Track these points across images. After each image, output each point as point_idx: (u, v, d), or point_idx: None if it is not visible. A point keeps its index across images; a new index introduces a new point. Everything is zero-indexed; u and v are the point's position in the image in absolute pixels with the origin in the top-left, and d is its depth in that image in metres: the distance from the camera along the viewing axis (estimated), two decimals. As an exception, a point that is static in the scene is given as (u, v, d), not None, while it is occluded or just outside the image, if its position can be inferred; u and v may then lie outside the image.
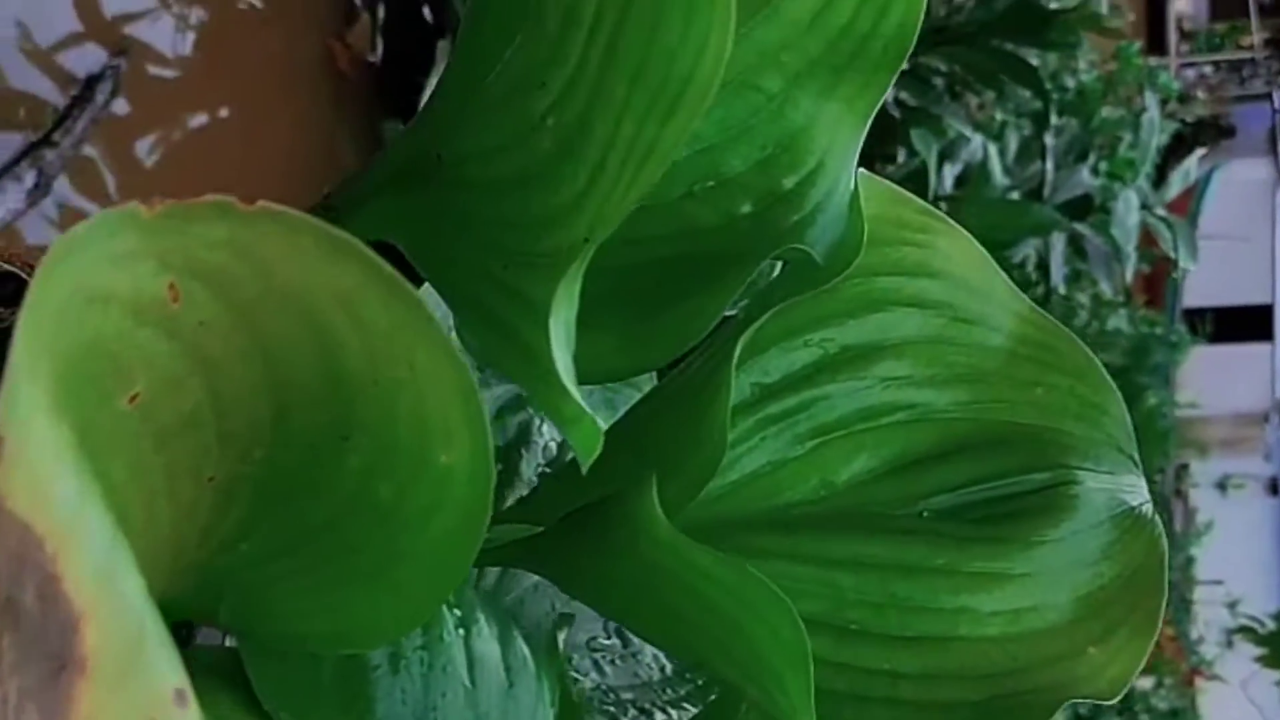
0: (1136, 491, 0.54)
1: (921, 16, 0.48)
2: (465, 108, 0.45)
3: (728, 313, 0.50)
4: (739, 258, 0.48)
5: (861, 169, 0.52)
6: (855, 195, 0.49)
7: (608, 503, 0.47)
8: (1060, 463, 0.54)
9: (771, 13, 0.48)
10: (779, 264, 0.51)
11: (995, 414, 0.54)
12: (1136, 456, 0.55)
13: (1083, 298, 3.55)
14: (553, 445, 0.60)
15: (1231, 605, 4.46)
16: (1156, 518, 0.54)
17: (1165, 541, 0.53)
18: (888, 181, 0.53)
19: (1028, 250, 2.76)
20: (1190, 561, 4.48)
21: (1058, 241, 2.59)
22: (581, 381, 0.60)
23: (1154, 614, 0.52)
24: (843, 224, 0.49)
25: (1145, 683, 4.22)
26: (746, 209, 0.49)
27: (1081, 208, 2.54)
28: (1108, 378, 0.55)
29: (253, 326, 0.33)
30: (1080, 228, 2.56)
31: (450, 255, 0.45)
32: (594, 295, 0.47)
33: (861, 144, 0.50)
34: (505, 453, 0.59)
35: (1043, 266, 2.83)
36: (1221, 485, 5.61)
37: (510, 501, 0.58)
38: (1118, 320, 3.58)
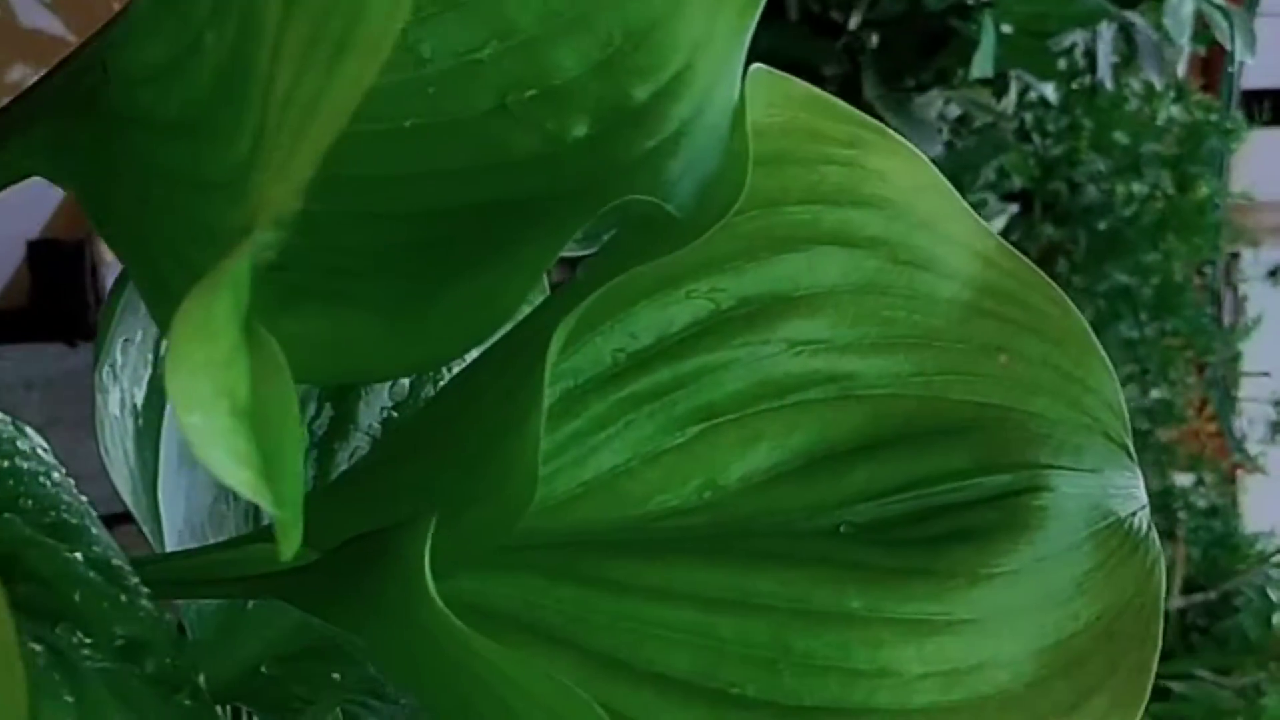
0: (1129, 495, 0.40)
1: None
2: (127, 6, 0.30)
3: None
4: (564, 205, 0.34)
5: (761, 65, 0.37)
6: (739, 111, 0.35)
7: (384, 543, 0.34)
8: (1026, 460, 0.40)
9: None
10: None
11: (943, 391, 0.40)
12: (1130, 446, 0.41)
13: (1135, 84, 3.36)
14: (370, 433, 0.46)
15: (1279, 404, 4.32)
16: (1153, 532, 0.40)
17: (1163, 567, 0.40)
18: (799, 80, 0.38)
19: (1074, 38, 2.56)
20: (1238, 357, 4.35)
21: (1106, 31, 2.39)
22: (336, 380, 0.46)
23: (1143, 674, 0.38)
24: (717, 153, 0.35)
25: (1185, 479, 4.13)
26: (580, 131, 0.34)
27: (1133, -5, 2.34)
28: (1094, 340, 0.40)
29: None
30: (1130, 16, 2.36)
31: (127, 212, 0.31)
32: (352, 259, 0.33)
33: (749, 37, 0.35)
34: (321, 444, 0.46)
35: (1089, 55, 2.64)
36: (1274, 273, 5.44)
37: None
38: (1168, 110, 3.39)
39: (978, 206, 2.63)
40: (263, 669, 0.46)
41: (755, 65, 0.37)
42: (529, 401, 0.33)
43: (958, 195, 0.40)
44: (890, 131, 0.39)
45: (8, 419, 0.37)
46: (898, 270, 0.40)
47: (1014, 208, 2.90)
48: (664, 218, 0.34)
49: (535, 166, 0.34)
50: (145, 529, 0.42)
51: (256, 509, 0.47)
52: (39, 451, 0.36)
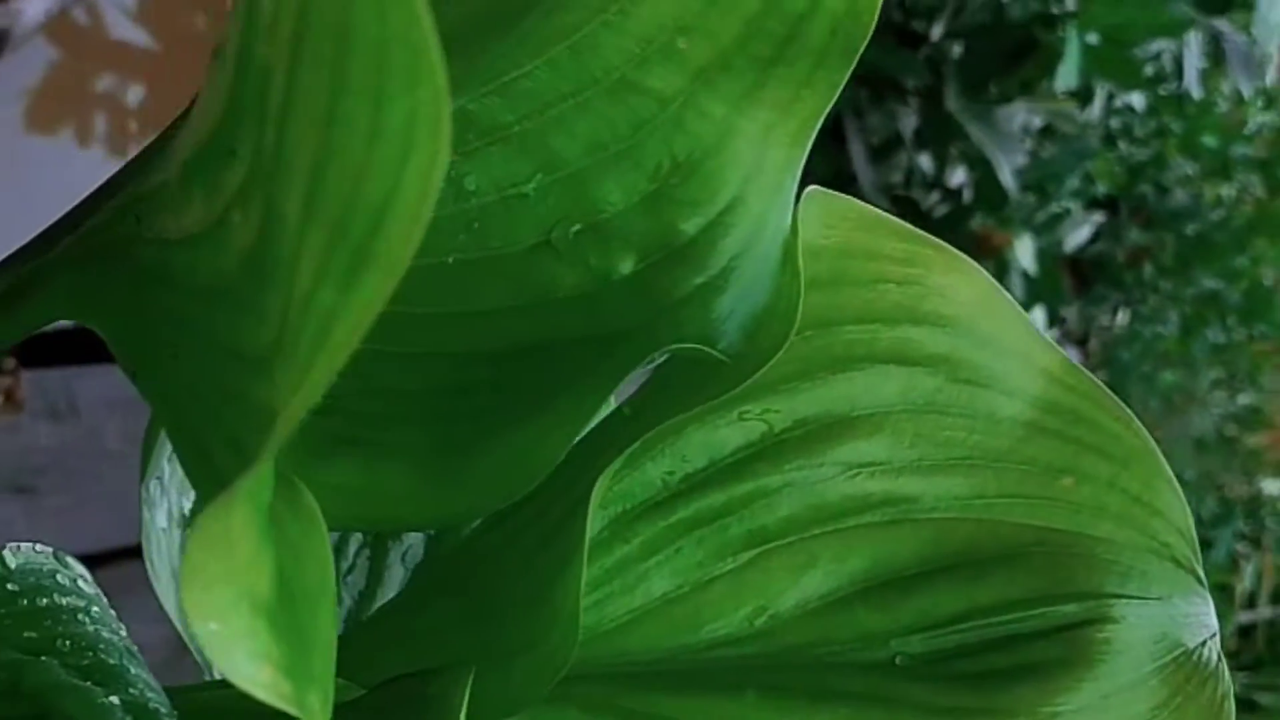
0: (1199, 623, 0.39)
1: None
2: (164, 149, 0.30)
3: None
4: (608, 346, 0.33)
5: (816, 186, 0.36)
6: (791, 242, 0.34)
7: (423, 689, 0.33)
8: (1091, 588, 0.38)
9: (660, -20, 0.32)
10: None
11: (1004, 514, 0.39)
12: (1200, 572, 0.39)
13: (1224, 89, 3.31)
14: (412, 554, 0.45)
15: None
16: (1223, 664, 0.39)
17: (1232, 704, 0.38)
18: (853, 200, 0.37)
19: (1160, 46, 2.52)
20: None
21: (1193, 38, 2.35)
22: (366, 529, 0.45)
23: (1212, 818, 0.37)
24: (769, 286, 0.34)
25: (1273, 486, 4.07)
26: (627, 267, 0.33)
27: (1221, 2, 2.29)
28: (1162, 461, 0.39)
29: None
30: (1218, 23, 2.31)
31: (159, 366, 0.30)
32: (389, 404, 0.32)
33: (801, 168, 0.34)
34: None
35: (1177, 63, 2.60)
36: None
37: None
38: (1258, 115, 3.33)
39: (1063, 216, 2.59)
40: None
41: (810, 187, 0.36)
42: (571, 552, 0.32)
43: (1021, 310, 0.39)
44: (950, 248, 0.38)
45: (48, 550, 0.36)
46: (958, 389, 0.39)
47: (1100, 216, 2.86)
48: (713, 359, 0.33)
49: (580, 305, 0.33)
50: (192, 647, 0.42)
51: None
52: (80, 583, 0.36)
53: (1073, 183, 2.72)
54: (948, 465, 0.39)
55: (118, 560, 1.61)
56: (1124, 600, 0.38)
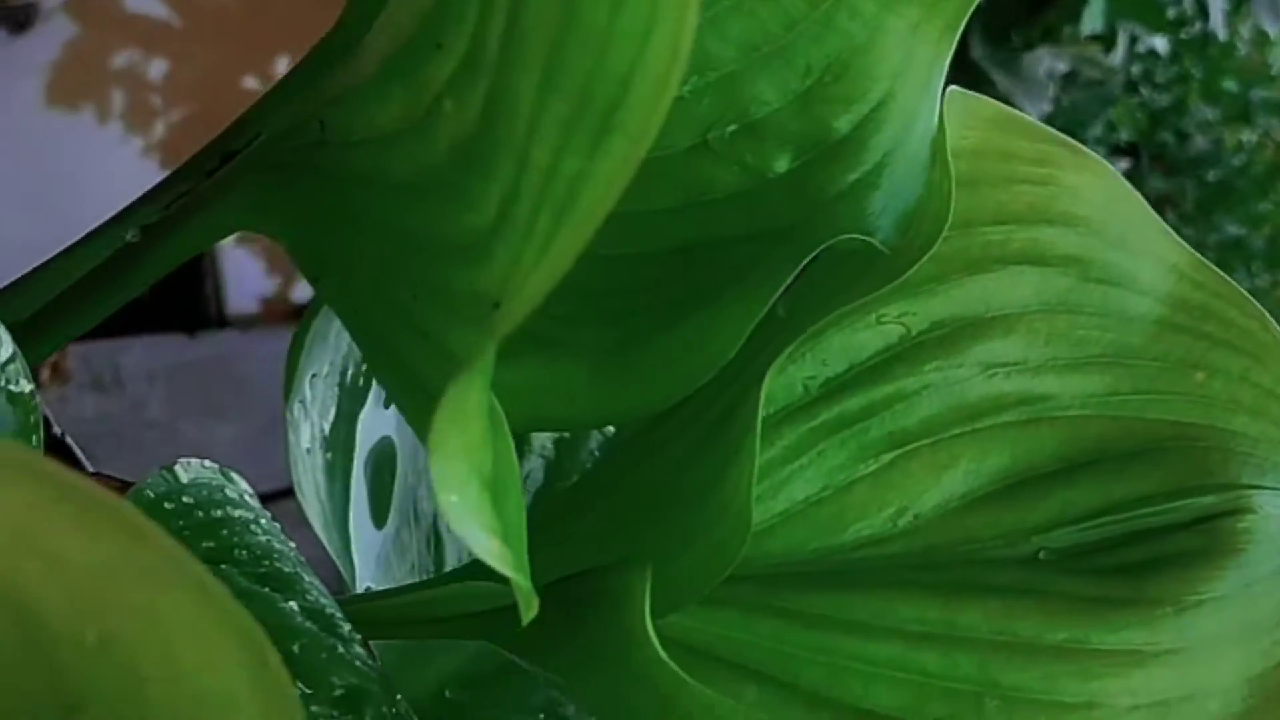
0: (1335, 513, 0.39)
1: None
2: (351, 53, 0.30)
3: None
4: (767, 244, 0.33)
5: (955, 87, 0.37)
6: (939, 139, 0.34)
7: (592, 586, 0.34)
8: (1228, 480, 0.39)
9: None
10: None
11: (1139, 410, 0.39)
12: (1335, 462, 0.40)
13: (1246, 32, 3.30)
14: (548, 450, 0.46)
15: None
16: (1362, 551, 0.39)
17: (1373, 589, 0.39)
18: (989, 99, 0.38)
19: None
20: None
21: (1218, -20, 2.34)
22: (540, 429, 0.46)
23: (1356, 699, 0.38)
24: (919, 183, 0.34)
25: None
26: (782, 165, 0.34)
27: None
28: (1296, 355, 0.39)
29: None
30: (1243, -35, 2.30)
31: (345, 267, 0.31)
32: (564, 304, 0.33)
33: (948, 63, 0.35)
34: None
35: (1200, 4, 2.59)
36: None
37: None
38: (1277, 54, 3.31)
39: (1088, 163, 2.59)
40: (446, 694, 0.47)
41: (951, 88, 0.36)
42: (740, 443, 0.32)
43: (1148, 207, 0.40)
44: (1082, 148, 0.39)
45: (215, 466, 0.37)
46: (1090, 288, 0.39)
47: (1125, 163, 2.86)
48: (870, 253, 0.33)
49: (738, 204, 0.34)
50: (338, 562, 0.43)
51: (437, 536, 0.47)
52: (246, 498, 0.37)
53: (1095, 130, 2.71)
54: (1082, 363, 0.39)
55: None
56: (1260, 491, 0.39)
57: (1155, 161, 3.30)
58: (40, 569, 0.19)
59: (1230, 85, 3.35)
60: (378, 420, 0.45)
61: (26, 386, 0.31)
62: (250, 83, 1.87)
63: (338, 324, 0.43)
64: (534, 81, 0.23)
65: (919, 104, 0.34)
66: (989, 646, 0.37)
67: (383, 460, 0.46)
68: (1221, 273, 0.40)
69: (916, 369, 0.39)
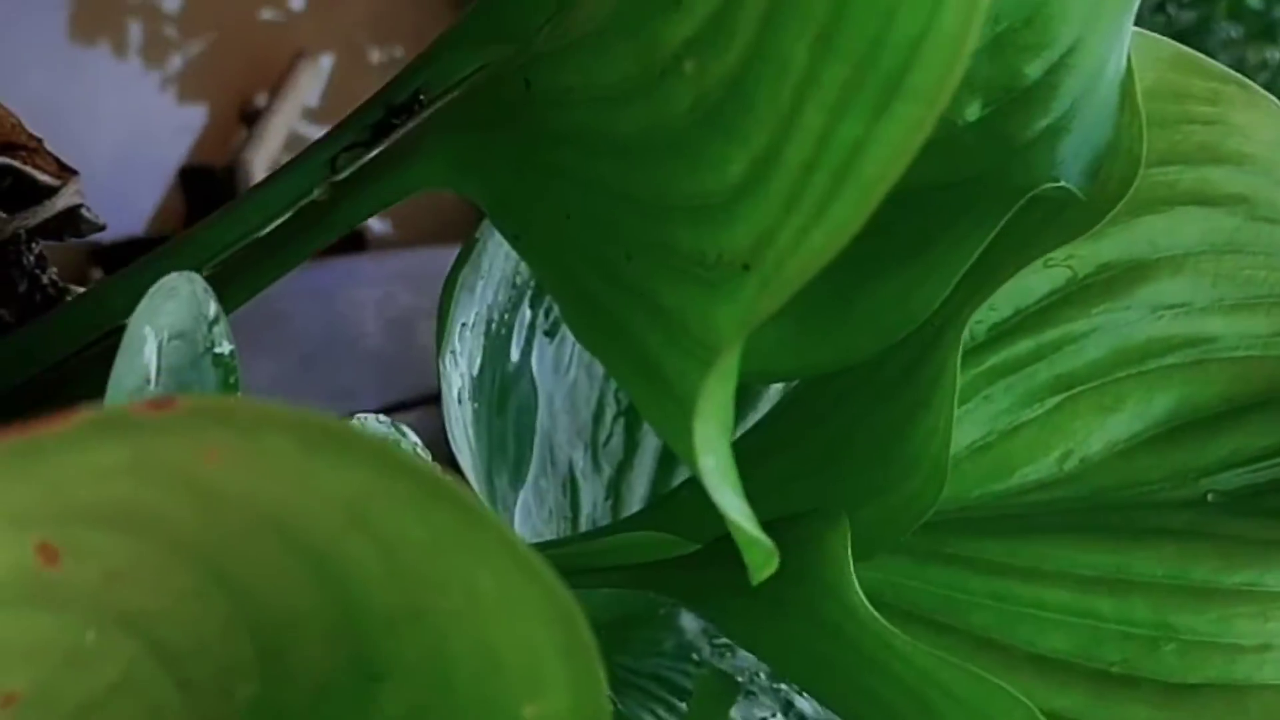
0: None
1: None
2: (560, 14, 0.30)
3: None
4: (962, 191, 0.33)
5: (1132, 28, 0.36)
6: (1128, 82, 0.34)
7: (781, 538, 0.34)
8: (1399, 418, 0.39)
9: None
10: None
11: (1307, 350, 0.39)
12: None
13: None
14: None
15: None
16: None
17: None
18: (1166, 39, 0.37)
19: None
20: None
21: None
22: (744, 381, 0.45)
23: None
24: (1109, 127, 0.34)
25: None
26: (974, 113, 0.34)
27: None
28: None
29: (203, 560, 0.19)
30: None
31: (548, 226, 0.31)
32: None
33: (1136, 7, 0.34)
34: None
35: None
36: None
37: (637, 486, 0.45)
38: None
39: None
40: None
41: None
42: (936, 394, 0.32)
43: (1317, 148, 0.39)
44: (1253, 85, 0.38)
45: (388, 420, 0.37)
46: (1257, 227, 0.39)
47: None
48: (1063, 199, 0.33)
49: (930, 152, 0.33)
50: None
51: (574, 483, 0.47)
52: (419, 450, 0.37)
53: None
54: (1249, 304, 0.39)
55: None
56: None
57: (1179, 80, 3.27)
58: (369, 547, 0.19)
59: (1255, 3, 3.32)
60: (521, 369, 0.45)
61: (228, 347, 0.31)
62: (267, 14, 1.86)
63: (483, 277, 0.43)
64: (807, 45, 0.23)
65: (1109, 48, 0.34)
66: (1164, 589, 0.37)
67: (524, 409, 0.46)
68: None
69: (1083, 312, 0.39)
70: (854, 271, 0.32)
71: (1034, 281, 0.39)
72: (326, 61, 1.89)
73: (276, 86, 1.83)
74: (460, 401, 0.42)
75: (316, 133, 0.33)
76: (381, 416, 0.36)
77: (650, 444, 0.49)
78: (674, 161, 0.27)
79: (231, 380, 0.31)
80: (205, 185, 1.83)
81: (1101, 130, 0.34)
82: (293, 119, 1.81)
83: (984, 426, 0.39)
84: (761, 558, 0.27)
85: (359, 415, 0.36)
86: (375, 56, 1.92)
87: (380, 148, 0.36)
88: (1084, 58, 0.34)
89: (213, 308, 0.30)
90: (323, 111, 1.86)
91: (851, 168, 0.22)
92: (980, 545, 0.38)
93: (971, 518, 0.39)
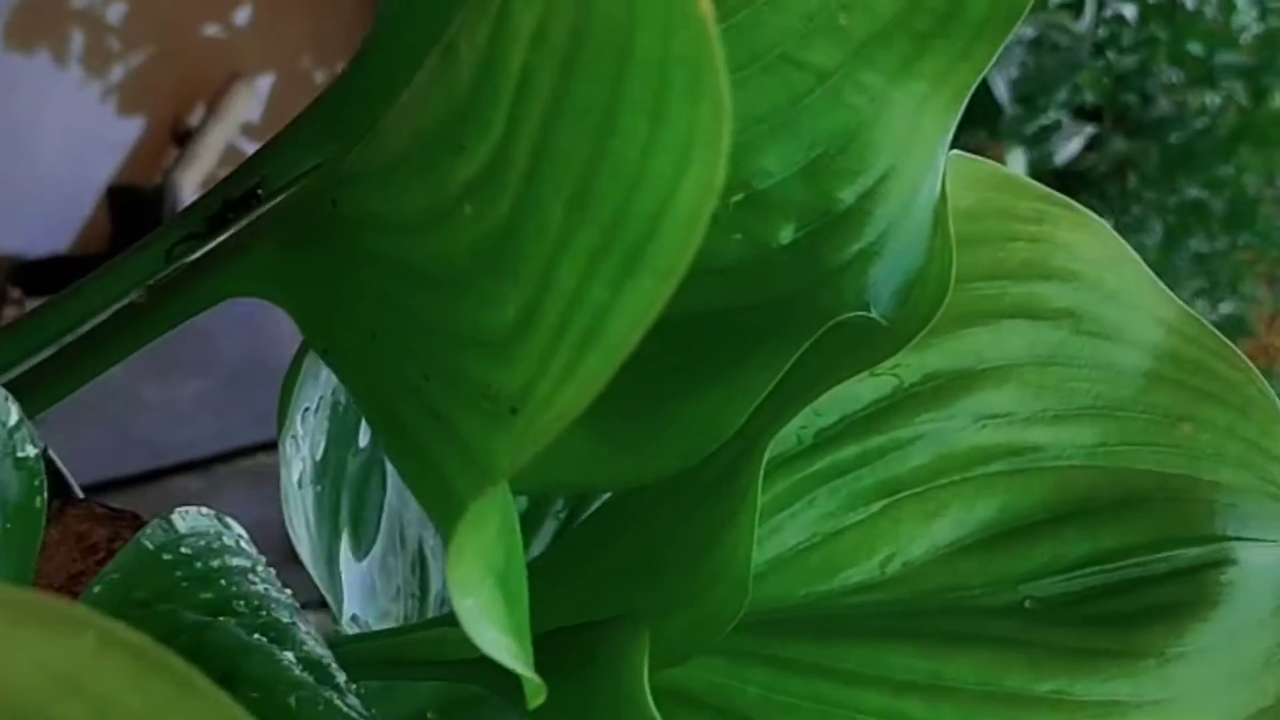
0: (1316, 564, 0.40)
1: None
2: (369, 137, 0.30)
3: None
4: (772, 314, 0.34)
5: (954, 150, 0.37)
6: (942, 208, 0.35)
7: (589, 641, 0.35)
8: (1213, 532, 0.40)
9: (822, -45, 0.33)
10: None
11: (1127, 461, 0.40)
12: (1317, 514, 0.41)
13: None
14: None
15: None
16: (1340, 602, 0.40)
17: (1352, 641, 0.40)
18: (990, 162, 0.38)
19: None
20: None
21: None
22: (549, 492, 0.46)
23: (1333, 750, 0.39)
24: (922, 252, 0.35)
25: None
26: (787, 236, 0.34)
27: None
28: (1279, 408, 0.40)
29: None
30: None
31: (355, 344, 0.31)
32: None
33: (952, 134, 0.35)
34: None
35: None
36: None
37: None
38: (1245, 20, 3.33)
39: (1053, 128, 2.59)
40: (429, 715, 0.47)
41: (951, 152, 0.37)
42: (739, 507, 0.33)
43: (1143, 264, 0.40)
44: (1078, 205, 0.39)
45: (211, 513, 0.37)
46: (1082, 341, 0.40)
47: (1091, 127, 2.87)
48: (871, 326, 0.34)
49: (743, 273, 0.34)
50: (329, 598, 0.43)
51: (423, 562, 0.48)
52: (242, 544, 0.37)
53: (1061, 94, 2.72)
54: (1072, 415, 0.40)
55: (119, 488, 1.62)
56: (1244, 543, 0.40)
57: (1118, 124, 3.31)
58: (83, 713, 0.20)
59: (1195, 48, 3.36)
60: (367, 449, 0.46)
61: (32, 451, 0.31)
62: (212, 29, 1.85)
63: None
64: (562, 205, 0.23)
65: (923, 175, 0.34)
66: (974, 696, 0.38)
67: (371, 489, 0.46)
68: (1211, 327, 0.40)
69: (909, 419, 0.40)
70: (661, 389, 0.33)
71: (861, 389, 0.39)
72: (266, 80, 1.88)
73: (212, 105, 1.83)
74: (301, 486, 0.43)
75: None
76: (205, 509, 0.37)
77: (549, 529, 0.50)
78: (461, 295, 0.27)
79: (36, 483, 0.32)
80: (133, 205, 1.83)
81: (913, 255, 0.35)
82: (229, 138, 1.80)
83: (809, 529, 0.40)
84: (531, 689, 0.27)
85: (182, 509, 0.36)
86: (319, 77, 1.92)
87: (217, 240, 0.36)
88: (897, 185, 0.34)
89: (13, 413, 0.30)
90: (263, 129, 1.86)
91: (597, 332, 0.23)
92: (801, 647, 0.39)
93: (794, 619, 0.39)
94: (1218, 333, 0.40)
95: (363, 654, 0.40)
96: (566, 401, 0.23)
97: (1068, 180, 3.20)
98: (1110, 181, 3.29)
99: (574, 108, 0.23)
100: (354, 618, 0.46)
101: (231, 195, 0.37)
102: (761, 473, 0.33)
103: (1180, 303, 0.40)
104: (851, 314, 0.33)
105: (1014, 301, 0.39)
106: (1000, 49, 0.33)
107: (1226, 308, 3.74)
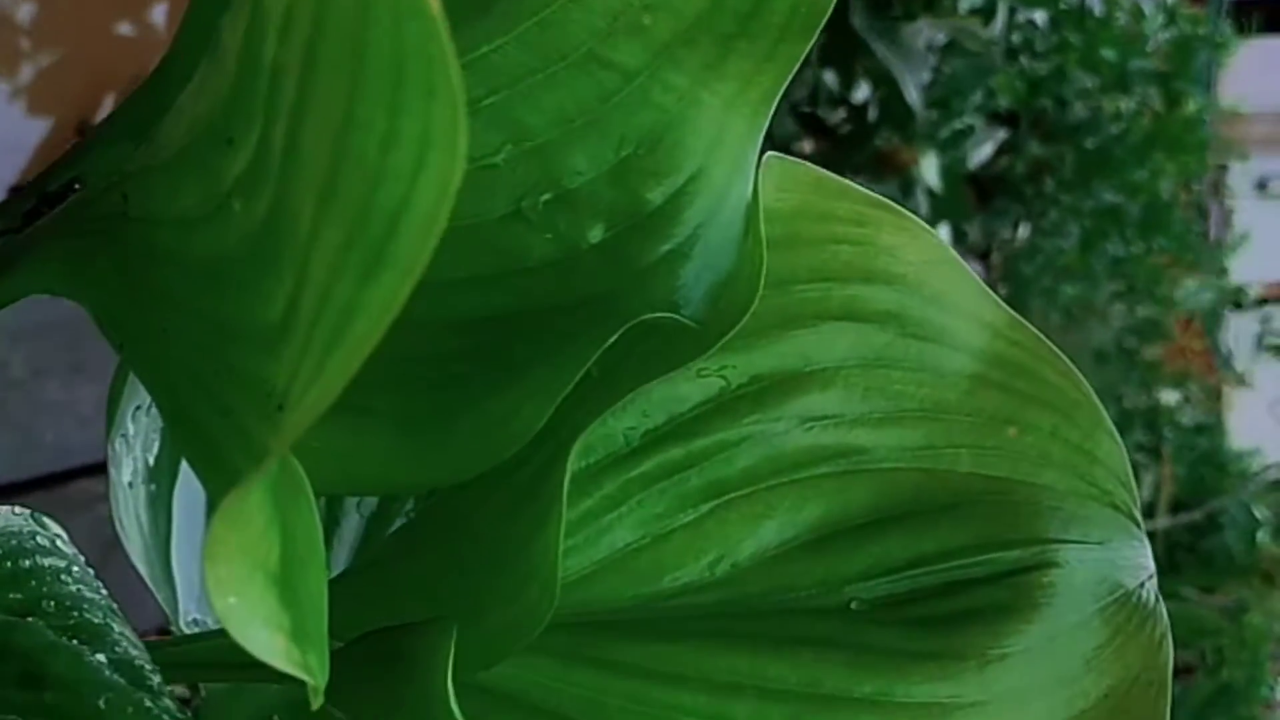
0: (1137, 566, 0.41)
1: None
2: (154, 135, 0.30)
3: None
4: (580, 314, 0.34)
5: (774, 153, 0.37)
6: (753, 209, 0.35)
7: (399, 643, 0.34)
8: (1035, 535, 0.40)
9: (626, -44, 0.33)
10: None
11: (951, 464, 0.40)
12: (1138, 515, 0.41)
13: (1125, 1, 3.34)
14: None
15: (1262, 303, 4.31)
16: (1160, 604, 0.40)
17: (1170, 642, 0.40)
18: (811, 165, 0.38)
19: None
20: (1225, 271, 4.35)
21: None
22: (348, 493, 0.46)
23: (1150, 751, 0.39)
24: (732, 253, 0.35)
25: (1171, 397, 4.14)
26: (595, 235, 0.34)
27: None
28: (1102, 412, 0.41)
29: None
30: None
31: (149, 338, 0.31)
32: (374, 370, 0.33)
33: (762, 136, 0.35)
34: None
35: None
36: (1261, 185, 5.44)
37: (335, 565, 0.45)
38: (1158, 28, 3.37)
39: (967, 132, 2.61)
40: (274, 718, 0.47)
41: (768, 154, 0.37)
42: (548, 510, 0.33)
43: (968, 268, 0.40)
44: (901, 209, 0.39)
45: (26, 512, 0.37)
46: (906, 344, 0.40)
47: (1003, 132, 2.89)
48: (678, 327, 0.34)
49: (551, 272, 0.34)
50: (159, 596, 0.43)
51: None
52: (58, 543, 0.37)
53: (975, 98, 2.74)
54: (897, 417, 0.40)
55: (25, 491, 1.60)
56: (1066, 545, 0.40)
57: (1034, 129, 3.34)
58: None
59: (1109, 54, 3.39)
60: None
61: None
62: (124, 29, 1.84)
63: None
64: (312, 201, 0.23)
65: (732, 177, 0.34)
66: (798, 698, 0.38)
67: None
68: (1036, 331, 0.40)
69: (736, 421, 0.40)
70: (456, 392, 0.33)
71: (688, 390, 0.39)
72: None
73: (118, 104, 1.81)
74: (133, 485, 0.42)
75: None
76: (19, 509, 0.36)
77: (352, 524, 0.49)
78: (236, 290, 0.27)
79: None
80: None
81: (723, 256, 0.35)
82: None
83: (637, 531, 0.40)
84: (311, 691, 0.27)
85: (-5, 509, 0.36)
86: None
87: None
88: (707, 185, 0.34)
89: None
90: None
91: (344, 328, 0.23)
92: (627, 648, 0.39)
93: (620, 620, 0.39)
94: (1042, 336, 0.40)
95: (197, 656, 0.39)
96: (314, 398, 0.23)
97: (985, 184, 3.23)
98: (1027, 185, 3.32)
99: (319, 101, 0.22)
100: (193, 620, 0.45)
101: (48, 189, 0.37)
102: (568, 475, 0.32)
103: (1005, 306, 0.40)
104: (658, 315, 0.33)
105: (838, 304, 0.39)
106: (805, 52, 0.33)
107: (1144, 311, 3.78)
